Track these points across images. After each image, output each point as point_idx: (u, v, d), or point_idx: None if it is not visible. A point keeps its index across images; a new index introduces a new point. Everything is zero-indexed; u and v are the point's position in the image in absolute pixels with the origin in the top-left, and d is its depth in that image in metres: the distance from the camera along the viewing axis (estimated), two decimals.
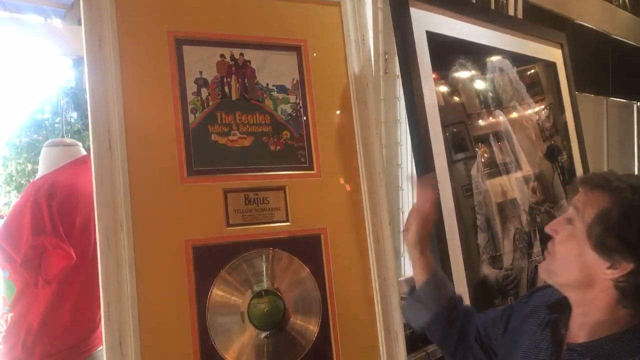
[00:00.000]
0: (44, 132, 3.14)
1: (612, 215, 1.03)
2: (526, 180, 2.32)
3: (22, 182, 3.22)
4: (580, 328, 1.12)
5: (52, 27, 3.29)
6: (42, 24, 3.36)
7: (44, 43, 2.97)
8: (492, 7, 3.06)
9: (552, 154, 2.51)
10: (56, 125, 3.05)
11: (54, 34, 3.06)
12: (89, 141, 2.72)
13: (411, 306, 1.54)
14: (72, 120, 3.04)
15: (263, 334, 1.43)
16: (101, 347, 1.66)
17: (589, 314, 1.10)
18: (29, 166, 3.20)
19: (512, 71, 2.37)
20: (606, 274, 1.04)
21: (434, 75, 1.91)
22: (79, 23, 3.38)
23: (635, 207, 1.02)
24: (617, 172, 1.12)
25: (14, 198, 3.23)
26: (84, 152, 1.70)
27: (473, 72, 2.17)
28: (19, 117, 3.06)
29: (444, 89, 2.01)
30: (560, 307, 1.17)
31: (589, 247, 1.05)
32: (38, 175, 1.63)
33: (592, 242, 1.05)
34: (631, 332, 1.05)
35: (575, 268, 1.09)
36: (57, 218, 1.43)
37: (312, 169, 1.57)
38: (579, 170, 2.64)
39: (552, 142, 2.54)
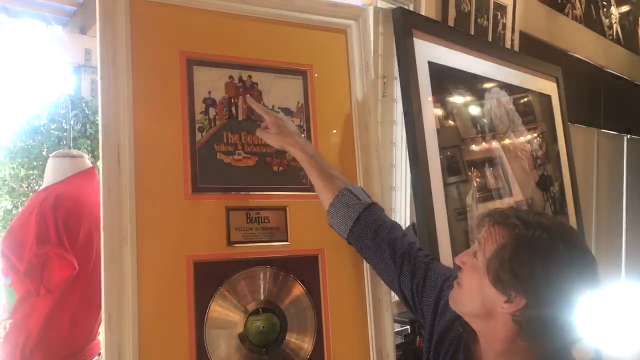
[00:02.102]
0: (40, 137, 3.12)
1: (506, 251, 1.07)
2: (517, 205, 2.37)
3: (15, 186, 3.20)
4: (485, 355, 1.17)
5: (53, 34, 3.32)
6: (43, 31, 3.39)
7: (44, 49, 3.00)
8: (489, 37, 3.14)
9: (544, 184, 2.57)
10: (52, 131, 3.04)
11: (54, 40, 3.09)
12: (84, 149, 2.73)
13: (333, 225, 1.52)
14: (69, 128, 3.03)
15: (259, 351, 1.46)
16: (97, 356, 1.68)
17: (491, 343, 1.14)
18: (22, 171, 3.18)
19: (509, 102, 2.43)
20: (503, 307, 1.08)
21: (430, 99, 1.96)
22: (81, 31, 3.41)
23: (527, 243, 1.06)
24: (521, 210, 1.17)
25: (6, 202, 3.22)
26: (89, 164, 1.72)
27: (471, 100, 2.23)
28: (15, 122, 3.05)
29: (439, 112, 2.06)
30: (469, 327, 1.21)
31: (488, 281, 1.09)
32: (43, 186, 1.66)
33: (490, 277, 1.09)
34: None
35: (477, 300, 1.13)
36: (62, 229, 1.46)
37: (313, 190, 1.59)
38: (570, 202, 2.70)
39: (544, 172, 2.60)
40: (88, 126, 2.73)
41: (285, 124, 1.52)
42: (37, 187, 2.99)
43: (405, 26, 1.83)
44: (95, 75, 3.11)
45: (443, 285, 1.36)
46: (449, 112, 2.13)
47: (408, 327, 2.10)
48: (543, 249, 1.05)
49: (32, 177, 3.02)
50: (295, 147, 1.50)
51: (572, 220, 2.70)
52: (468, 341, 1.23)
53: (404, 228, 2.56)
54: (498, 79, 2.36)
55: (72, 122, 1.86)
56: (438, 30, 2.06)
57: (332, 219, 1.49)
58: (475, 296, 1.13)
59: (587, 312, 1.06)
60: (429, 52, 1.94)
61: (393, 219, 1.53)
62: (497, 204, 2.26)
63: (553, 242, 1.05)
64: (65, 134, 2.90)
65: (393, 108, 2.46)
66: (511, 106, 2.45)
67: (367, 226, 1.45)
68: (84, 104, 2.82)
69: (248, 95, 1.55)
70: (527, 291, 1.05)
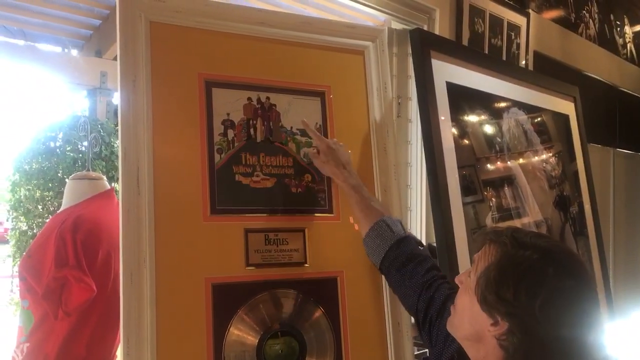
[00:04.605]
0: (55, 159, 3.15)
1: (492, 271, 1.00)
2: (537, 225, 2.34)
3: (30, 208, 3.22)
4: None
5: (69, 57, 3.37)
6: (59, 54, 3.44)
7: (60, 72, 3.03)
8: (504, 58, 3.14)
9: (562, 204, 2.54)
10: (68, 153, 3.06)
11: (70, 64, 3.13)
12: (99, 170, 2.74)
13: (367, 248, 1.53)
14: (83, 149, 3.07)
15: None
16: None
17: None
18: (38, 192, 3.20)
19: (527, 123, 2.42)
20: (490, 330, 1.01)
21: (448, 119, 1.95)
22: (96, 54, 3.45)
23: (514, 263, 0.99)
24: (522, 229, 1.08)
25: (21, 223, 3.21)
26: (108, 186, 1.72)
27: (488, 120, 2.22)
28: (31, 144, 3.08)
29: (455, 132, 2.05)
30: (465, 355, 1.13)
31: (476, 301, 1.03)
32: (62, 207, 1.65)
33: (477, 297, 1.02)
34: None
35: (467, 322, 1.07)
36: (80, 251, 1.45)
37: (331, 212, 1.59)
38: (590, 223, 2.66)
39: (562, 191, 2.57)
40: (103, 148, 2.75)
41: (334, 153, 1.54)
42: (52, 209, 3.01)
43: (423, 47, 1.83)
44: (110, 98, 3.15)
45: None
46: (465, 132, 2.12)
47: (427, 350, 2.06)
48: (530, 271, 0.97)
49: (47, 199, 3.03)
50: (338, 177, 1.54)
51: (593, 242, 2.66)
52: None
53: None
54: (516, 99, 2.35)
55: (91, 144, 1.86)
56: (455, 50, 2.06)
57: (367, 248, 1.51)
58: (465, 317, 1.08)
59: (580, 342, 0.97)
60: (447, 72, 1.93)
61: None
62: (516, 223, 2.24)
63: (542, 265, 0.97)
64: (80, 155, 2.93)
65: (408, 128, 2.46)
66: (529, 126, 2.43)
67: (396, 258, 1.44)
68: (99, 126, 2.84)
69: (304, 119, 1.58)
70: (510, 315, 0.98)
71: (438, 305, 1.33)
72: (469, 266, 1.87)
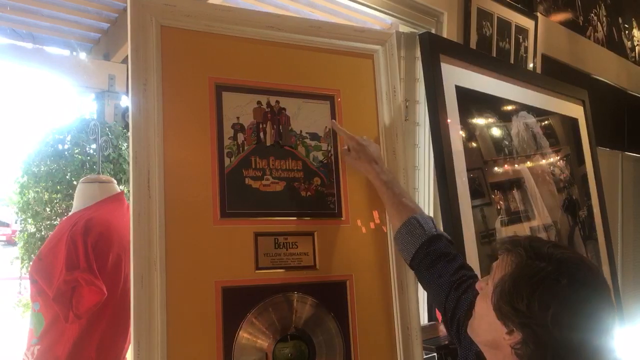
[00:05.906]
0: (63, 162, 3.17)
1: (507, 281, 1.02)
2: (546, 228, 2.34)
3: (39, 210, 3.25)
4: None
5: (77, 60, 3.38)
6: (67, 57, 3.46)
7: (68, 75, 3.05)
8: (511, 61, 3.13)
9: (571, 207, 2.53)
10: (76, 155, 3.09)
11: (79, 67, 3.14)
12: (107, 172, 2.75)
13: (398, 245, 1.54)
14: (91, 152, 3.10)
15: None
16: None
17: None
18: (46, 195, 3.23)
19: (536, 126, 2.41)
20: (505, 339, 1.03)
21: (457, 123, 1.95)
22: (105, 57, 3.46)
23: (528, 275, 1.00)
24: (539, 239, 1.09)
25: (30, 225, 3.25)
26: (118, 190, 1.73)
27: (497, 123, 2.21)
28: (39, 147, 3.11)
29: (464, 135, 2.05)
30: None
31: (492, 309, 1.05)
32: (73, 211, 1.66)
33: (493, 306, 1.04)
34: None
35: (484, 329, 1.10)
36: (91, 254, 1.46)
37: (340, 215, 1.59)
38: (599, 227, 2.65)
39: (570, 195, 2.56)
40: (111, 150, 2.76)
41: (365, 149, 1.56)
42: (60, 211, 3.02)
43: (432, 50, 1.83)
44: (118, 100, 3.16)
45: None
46: (474, 135, 2.12)
47: (435, 354, 2.06)
48: (543, 282, 0.98)
49: (55, 201, 3.05)
50: (370, 173, 1.56)
51: (602, 246, 2.65)
52: None
53: None
54: (525, 103, 2.34)
55: (101, 148, 1.86)
56: (464, 54, 2.06)
57: (397, 245, 1.53)
58: (483, 324, 1.10)
59: (593, 352, 0.98)
60: (456, 75, 1.93)
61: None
62: (525, 226, 2.23)
63: (556, 276, 0.98)
64: (88, 158, 2.94)
65: (415, 132, 2.46)
66: (538, 129, 2.43)
67: (426, 256, 1.45)
68: (107, 129, 2.85)
69: (334, 120, 1.60)
70: (523, 326, 0.99)
71: (466, 307, 1.34)
72: (477, 269, 1.88)
